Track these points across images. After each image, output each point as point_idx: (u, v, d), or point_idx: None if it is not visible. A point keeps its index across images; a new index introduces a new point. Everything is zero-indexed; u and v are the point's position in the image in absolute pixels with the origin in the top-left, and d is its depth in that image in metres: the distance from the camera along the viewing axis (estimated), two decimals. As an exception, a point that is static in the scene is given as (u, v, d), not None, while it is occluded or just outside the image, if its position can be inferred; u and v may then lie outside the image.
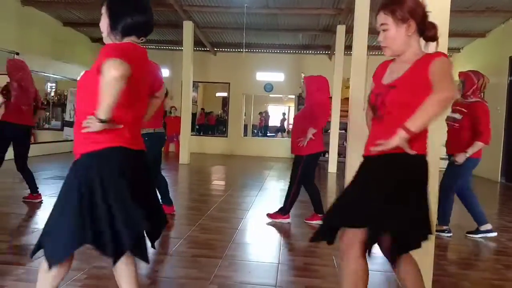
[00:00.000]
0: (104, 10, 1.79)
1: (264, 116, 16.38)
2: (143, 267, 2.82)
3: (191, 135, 11.18)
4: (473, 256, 3.51)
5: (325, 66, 11.52)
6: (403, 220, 1.72)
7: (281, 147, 12.33)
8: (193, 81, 10.08)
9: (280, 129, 15.58)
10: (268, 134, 15.50)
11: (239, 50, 11.57)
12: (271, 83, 12.26)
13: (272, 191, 6.32)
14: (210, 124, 15.56)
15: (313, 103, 4.08)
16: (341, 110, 9.20)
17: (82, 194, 1.65)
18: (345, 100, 8.70)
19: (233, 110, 12.46)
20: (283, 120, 15.90)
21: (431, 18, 2.62)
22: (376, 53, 11.38)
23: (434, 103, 1.59)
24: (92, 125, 1.61)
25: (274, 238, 3.75)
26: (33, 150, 9.27)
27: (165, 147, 11.88)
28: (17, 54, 8.50)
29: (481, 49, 9.82)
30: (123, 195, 1.66)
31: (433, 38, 1.85)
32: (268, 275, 2.80)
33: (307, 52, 11.97)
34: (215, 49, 12.17)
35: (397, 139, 1.64)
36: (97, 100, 1.59)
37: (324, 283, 2.70)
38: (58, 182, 6.10)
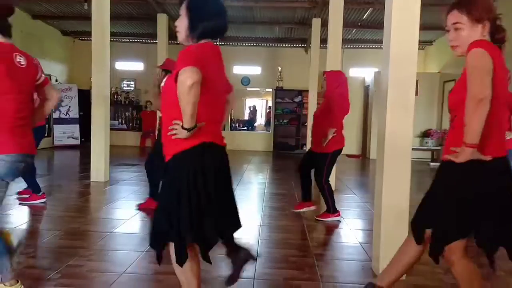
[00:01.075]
0: (183, 11, 1.82)
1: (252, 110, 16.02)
2: (122, 263, 2.77)
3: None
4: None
5: (301, 59, 11.58)
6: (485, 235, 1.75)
7: (259, 140, 12.35)
8: (169, 75, 9.93)
9: (250, 123, 15.33)
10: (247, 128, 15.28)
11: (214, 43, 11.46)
12: (248, 76, 12.23)
13: (251, 185, 6.32)
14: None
15: (333, 98, 3.98)
16: (317, 103, 9.26)
17: (183, 191, 1.72)
18: (321, 93, 8.75)
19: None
20: (253, 113, 15.68)
21: (403, 11, 2.66)
22: (351, 46, 11.54)
23: (469, 109, 1.60)
24: (179, 132, 1.71)
25: (252, 231, 3.75)
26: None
27: (140, 142, 11.69)
28: None
29: (452, 42, 10.06)
30: (211, 189, 1.76)
31: (502, 40, 1.81)
32: (246, 268, 2.79)
33: (284, 45, 11.98)
34: (191, 43, 12.02)
35: (463, 156, 1.64)
36: (178, 106, 1.68)
37: (302, 274, 2.72)
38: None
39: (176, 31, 1.88)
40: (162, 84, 4.12)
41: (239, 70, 12.16)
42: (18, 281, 2.09)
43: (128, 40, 11.89)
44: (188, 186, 1.72)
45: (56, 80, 11.36)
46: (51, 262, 2.76)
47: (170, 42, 9.96)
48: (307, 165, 4.31)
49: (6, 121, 1.88)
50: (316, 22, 8.95)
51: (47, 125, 4.00)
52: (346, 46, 11.05)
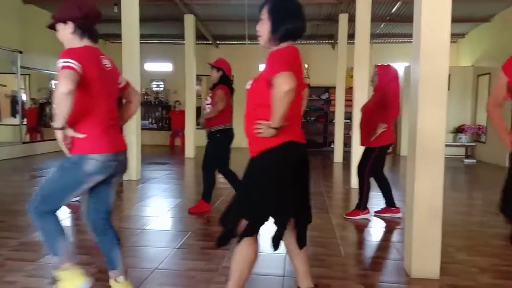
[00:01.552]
0: (265, 15, 1.92)
1: None
2: (154, 260, 2.85)
3: (196, 128, 11.19)
4: (481, 242, 3.50)
5: (328, 56, 11.46)
6: None
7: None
8: (197, 75, 10.06)
9: None
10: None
11: (241, 42, 11.52)
12: (274, 74, 12.22)
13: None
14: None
15: (386, 93, 3.88)
16: (346, 100, 9.16)
17: (270, 182, 1.91)
18: (349, 90, 8.66)
19: (238, 102, 12.38)
20: None
21: (434, 3, 2.59)
22: (380, 41, 11.31)
23: None
24: (265, 131, 1.84)
25: (281, 229, 3.77)
26: (40, 147, 9.36)
27: (170, 141, 11.91)
28: (20, 52, 8.54)
29: (486, 34, 9.69)
30: (290, 184, 1.95)
31: None
32: (276, 266, 2.81)
33: (310, 42, 11.89)
34: (217, 42, 12.12)
35: None
36: (267, 109, 1.81)
37: (331, 272, 2.71)
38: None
39: (257, 35, 1.98)
40: (215, 81, 4.22)
41: (266, 68, 12.15)
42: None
43: (156, 41, 12.12)
44: (274, 178, 1.89)
45: (89, 82, 11.75)
46: (88, 257, 2.87)
47: (197, 42, 10.10)
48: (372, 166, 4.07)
49: (99, 122, 1.96)
50: (343, 18, 8.83)
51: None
52: (374, 41, 10.86)
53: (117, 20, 6.51)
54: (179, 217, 4.16)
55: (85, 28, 2.00)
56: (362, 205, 4.06)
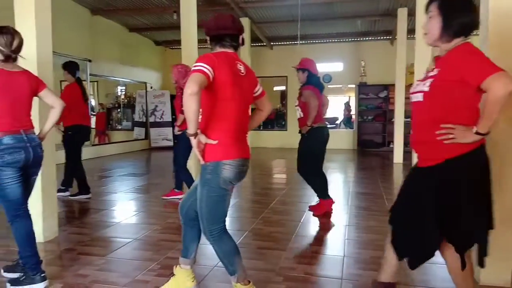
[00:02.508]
0: (434, 11, 1.82)
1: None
2: (213, 257, 2.94)
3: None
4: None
5: (387, 52, 11.07)
6: None
7: (343, 138, 12.08)
8: (252, 77, 10.19)
9: (345, 121, 14.84)
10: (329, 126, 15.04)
11: (295, 42, 11.49)
12: (329, 73, 12.03)
13: (334, 184, 6.22)
14: (269, 118, 15.62)
15: None
16: (405, 98, 8.78)
17: (439, 195, 1.80)
18: (409, 87, 8.27)
19: (292, 103, 12.40)
20: (347, 110, 15.10)
21: None
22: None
23: None
24: (468, 136, 1.73)
25: (338, 231, 3.71)
26: (108, 149, 10.01)
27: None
28: (90, 61, 9.19)
29: None
30: (483, 193, 1.82)
31: None
32: (334, 268, 2.78)
33: (367, 38, 11.56)
34: (271, 43, 12.19)
35: None
36: (461, 112, 1.75)
37: (392, 277, 2.62)
38: (133, 178, 6.53)
39: (424, 33, 1.89)
40: (302, 82, 4.23)
41: (320, 67, 11.90)
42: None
43: (213, 45, 12.44)
44: (469, 187, 1.76)
45: (151, 87, 12.38)
46: (152, 253, 3.02)
47: (251, 44, 10.23)
48: None
49: (229, 127, 2.00)
50: (402, 12, 8.50)
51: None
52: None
53: (176, 27, 6.79)
54: (236, 217, 4.24)
55: (218, 38, 2.09)
56: None
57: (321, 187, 4.23)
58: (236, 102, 2.01)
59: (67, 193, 4.99)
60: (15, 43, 2.36)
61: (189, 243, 2.30)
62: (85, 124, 4.92)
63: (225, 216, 2.12)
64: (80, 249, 3.13)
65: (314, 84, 4.18)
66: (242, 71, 2.08)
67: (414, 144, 1.96)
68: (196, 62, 1.92)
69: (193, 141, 1.94)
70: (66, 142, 4.87)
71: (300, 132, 4.19)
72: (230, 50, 2.10)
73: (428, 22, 1.84)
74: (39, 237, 3.24)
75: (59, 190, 4.89)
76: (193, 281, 2.33)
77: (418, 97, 1.87)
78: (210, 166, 1.98)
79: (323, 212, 4.18)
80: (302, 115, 4.12)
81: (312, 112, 3.99)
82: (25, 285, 2.41)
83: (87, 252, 3.07)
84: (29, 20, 3.17)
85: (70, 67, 4.91)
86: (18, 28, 3.17)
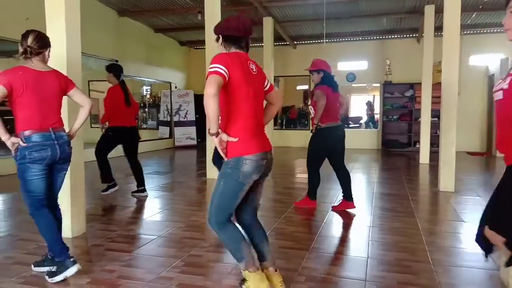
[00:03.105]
0: None
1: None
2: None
3: (274, 129, 11.32)
4: None
5: (413, 50, 10.84)
6: None
7: (367, 138, 11.91)
8: (274, 76, 10.19)
9: (368, 120, 14.63)
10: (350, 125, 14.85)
11: (319, 41, 11.40)
12: (353, 72, 11.87)
13: (358, 184, 6.15)
14: (291, 117, 15.57)
15: None
16: (432, 97, 8.58)
17: None
18: (436, 85, 8.10)
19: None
20: (370, 109, 14.88)
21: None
22: (470, 32, 10.39)
23: None
24: None
25: (361, 232, 3.66)
26: (133, 148, 10.19)
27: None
28: (116, 61, 9.40)
29: None
30: None
31: None
32: (357, 269, 2.75)
33: (392, 36, 11.34)
34: (295, 43, 12.14)
35: None
36: None
37: (417, 279, 2.57)
38: (158, 177, 6.64)
39: (505, 29, 1.83)
40: (317, 83, 4.26)
41: (344, 66, 11.87)
42: (263, 270, 2.21)
43: (236, 45, 12.48)
44: None
45: (176, 87, 12.55)
46: (176, 251, 3.07)
47: (275, 44, 10.22)
48: None
49: (248, 124, 2.09)
50: (429, 9, 8.30)
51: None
52: (465, 32, 10.01)
53: (201, 27, 6.86)
54: (258, 216, 4.24)
55: (230, 39, 2.17)
56: None
57: (312, 186, 4.43)
58: (251, 99, 2.10)
59: (116, 187, 5.18)
60: (30, 39, 2.49)
61: (260, 245, 2.32)
62: (127, 125, 4.95)
63: (234, 210, 2.18)
64: (107, 245, 3.21)
65: (327, 83, 4.23)
66: (254, 70, 2.17)
67: (498, 144, 1.87)
68: (211, 63, 1.99)
69: (216, 140, 2.02)
70: (103, 138, 5.01)
71: (311, 130, 4.32)
72: (242, 51, 2.19)
73: (511, 17, 1.77)
74: (68, 232, 3.35)
75: (107, 188, 5.09)
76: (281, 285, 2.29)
77: (499, 95, 1.82)
78: (232, 162, 2.07)
79: (302, 207, 4.45)
80: (313, 114, 4.21)
81: (319, 111, 4.09)
82: (60, 273, 2.50)
83: (113, 248, 3.14)
84: (59, 22, 3.28)
85: (115, 69, 4.97)
86: (48, 29, 3.30)
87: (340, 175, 4.42)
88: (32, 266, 2.70)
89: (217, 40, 2.23)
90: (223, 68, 1.96)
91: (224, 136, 2.03)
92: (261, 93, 2.23)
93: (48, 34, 3.31)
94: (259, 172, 2.13)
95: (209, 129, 2.00)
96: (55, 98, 2.59)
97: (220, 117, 2.04)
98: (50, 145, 2.49)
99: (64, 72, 3.30)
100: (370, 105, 13.67)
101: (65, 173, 2.72)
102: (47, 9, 3.31)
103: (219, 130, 2.00)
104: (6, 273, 2.65)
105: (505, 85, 1.76)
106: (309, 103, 4.32)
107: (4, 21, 6.40)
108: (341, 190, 4.45)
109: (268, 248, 2.31)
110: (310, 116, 4.34)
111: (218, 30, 2.20)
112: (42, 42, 2.55)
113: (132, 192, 5.08)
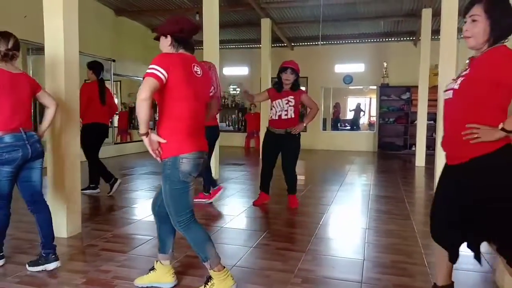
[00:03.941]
0: (480, 15, 1.78)
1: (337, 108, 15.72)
2: (232, 257, 2.95)
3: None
4: None
5: (410, 53, 10.88)
6: None
7: (363, 140, 11.93)
8: (272, 78, 10.17)
9: (353, 123, 14.75)
10: (339, 128, 14.89)
11: (316, 43, 11.42)
12: (350, 74, 11.90)
13: (354, 186, 6.16)
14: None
15: None
16: (429, 100, 8.62)
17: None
18: (433, 89, 8.14)
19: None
20: (357, 112, 15.02)
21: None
22: (468, 35, 10.44)
23: None
24: (488, 135, 1.71)
25: (357, 234, 3.67)
26: (130, 148, 10.17)
27: (245, 143, 12.20)
28: (113, 61, 9.37)
29: None
30: None
31: None
32: (353, 271, 2.75)
33: (390, 39, 11.38)
34: (292, 44, 12.15)
35: None
36: (490, 111, 1.73)
37: (414, 282, 2.58)
38: (153, 177, 6.62)
39: (466, 36, 1.85)
40: (456, 87, 4.34)
41: (341, 68, 11.91)
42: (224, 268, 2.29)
43: (234, 46, 12.51)
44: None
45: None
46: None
47: (272, 45, 10.22)
48: None
49: (183, 125, 2.13)
50: (426, 13, 8.34)
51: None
52: (461, 36, 10.05)
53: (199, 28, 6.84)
54: (254, 217, 4.25)
55: (181, 40, 2.20)
56: None
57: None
58: (190, 100, 2.13)
59: (97, 190, 5.11)
60: (11, 42, 2.56)
61: (165, 238, 2.42)
62: (102, 122, 4.95)
63: (191, 207, 2.22)
64: (102, 245, 3.19)
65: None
66: (199, 73, 2.21)
67: (444, 143, 1.95)
68: (152, 63, 2.02)
69: (146, 140, 2.06)
70: (82, 139, 4.96)
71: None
72: (189, 52, 2.23)
73: (472, 25, 1.81)
74: (63, 232, 3.33)
75: (87, 188, 5.02)
76: (173, 277, 2.44)
77: (449, 95, 1.89)
78: (169, 162, 2.11)
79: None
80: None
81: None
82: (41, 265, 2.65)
83: (109, 248, 3.13)
84: (58, 20, 3.26)
85: (96, 67, 4.97)
86: (46, 28, 3.29)
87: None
88: (27, 265, 2.69)
89: (158, 38, 2.25)
90: (161, 70, 1.99)
91: (154, 136, 2.07)
92: (203, 95, 2.27)
93: (46, 33, 3.32)
94: (197, 170, 2.18)
95: (138, 131, 2.03)
96: (27, 100, 2.65)
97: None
98: (22, 145, 2.53)
99: (62, 71, 3.30)
100: (358, 108, 13.81)
101: (40, 169, 2.73)
102: (45, 8, 3.30)
103: (149, 131, 2.05)
104: (1, 272, 2.63)
105: (456, 86, 1.85)
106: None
107: (2, 19, 6.37)
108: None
109: (172, 243, 2.43)
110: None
111: (168, 30, 2.19)
112: (19, 45, 2.63)
113: (83, 189, 4.75)
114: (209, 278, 2.26)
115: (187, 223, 2.19)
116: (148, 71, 1.99)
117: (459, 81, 1.84)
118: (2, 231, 2.72)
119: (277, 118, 4.35)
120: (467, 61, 1.93)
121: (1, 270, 2.68)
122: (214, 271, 2.22)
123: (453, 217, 1.91)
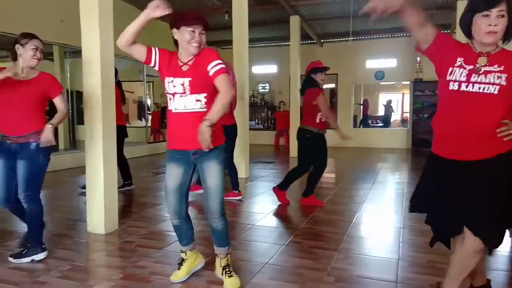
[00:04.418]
0: (505, 11, 1.76)
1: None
2: (264, 255, 2.97)
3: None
4: None
5: (444, 47, 10.50)
6: None
7: (396, 137, 11.66)
8: (301, 75, 10.11)
9: (384, 119, 14.40)
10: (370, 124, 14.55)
11: (346, 39, 11.25)
12: (382, 70, 11.65)
13: (387, 185, 6.03)
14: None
15: None
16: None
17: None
18: (469, 83, 7.83)
19: (342, 101, 12.19)
20: (388, 109, 14.67)
21: None
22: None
23: None
24: None
25: (392, 233, 3.60)
26: (162, 147, 10.39)
27: (275, 141, 12.19)
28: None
29: None
30: None
31: None
32: (388, 271, 2.70)
33: (423, 33, 11.04)
34: (322, 41, 12.02)
35: None
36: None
37: (451, 283, 2.50)
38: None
39: (493, 31, 1.80)
40: (324, 87, 4.52)
41: (373, 64, 11.67)
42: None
43: (263, 44, 12.51)
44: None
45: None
46: (204, 249, 3.10)
47: (301, 42, 10.15)
48: None
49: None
50: (461, 5, 8.02)
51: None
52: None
53: (228, 27, 6.91)
54: (285, 215, 4.25)
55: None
56: None
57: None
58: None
59: (132, 186, 5.32)
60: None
61: (190, 232, 2.62)
62: (122, 124, 5.06)
63: None
64: (138, 242, 3.29)
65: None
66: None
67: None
68: (218, 58, 2.37)
69: (209, 129, 2.10)
70: None
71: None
72: None
73: (500, 20, 1.76)
74: (101, 229, 3.45)
75: (123, 186, 5.20)
76: (202, 255, 2.74)
77: (490, 89, 1.80)
78: (221, 148, 2.37)
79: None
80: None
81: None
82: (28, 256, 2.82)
83: (144, 244, 3.22)
84: (93, 24, 3.37)
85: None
86: (83, 31, 3.41)
87: None
88: (12, 258, 2.82)
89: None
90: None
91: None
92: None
93: (82, 36, 3.44)
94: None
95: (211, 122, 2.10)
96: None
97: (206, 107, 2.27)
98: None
99: (98, 73, 3.42)
100: (389, 105, 13.47)
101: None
102: (82, 12, 3.42)
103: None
104: (43, 267, 2.76)
105: (503, 82, 1.78)
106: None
107: (40, 24, 6.66)
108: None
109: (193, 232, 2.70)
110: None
111: (174, 23, 2.54)
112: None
113: (119, 187, 4.78)
114: (227, 266, 2.51)
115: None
116: (223, 66, 2.25)
117: (504, 77, 1.77)
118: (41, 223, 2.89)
119: (323, 120, 4.62)
120: (483, 57, 1.84)
121: (42, 265, 2.81)
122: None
123: (453, 213, 1.97)
